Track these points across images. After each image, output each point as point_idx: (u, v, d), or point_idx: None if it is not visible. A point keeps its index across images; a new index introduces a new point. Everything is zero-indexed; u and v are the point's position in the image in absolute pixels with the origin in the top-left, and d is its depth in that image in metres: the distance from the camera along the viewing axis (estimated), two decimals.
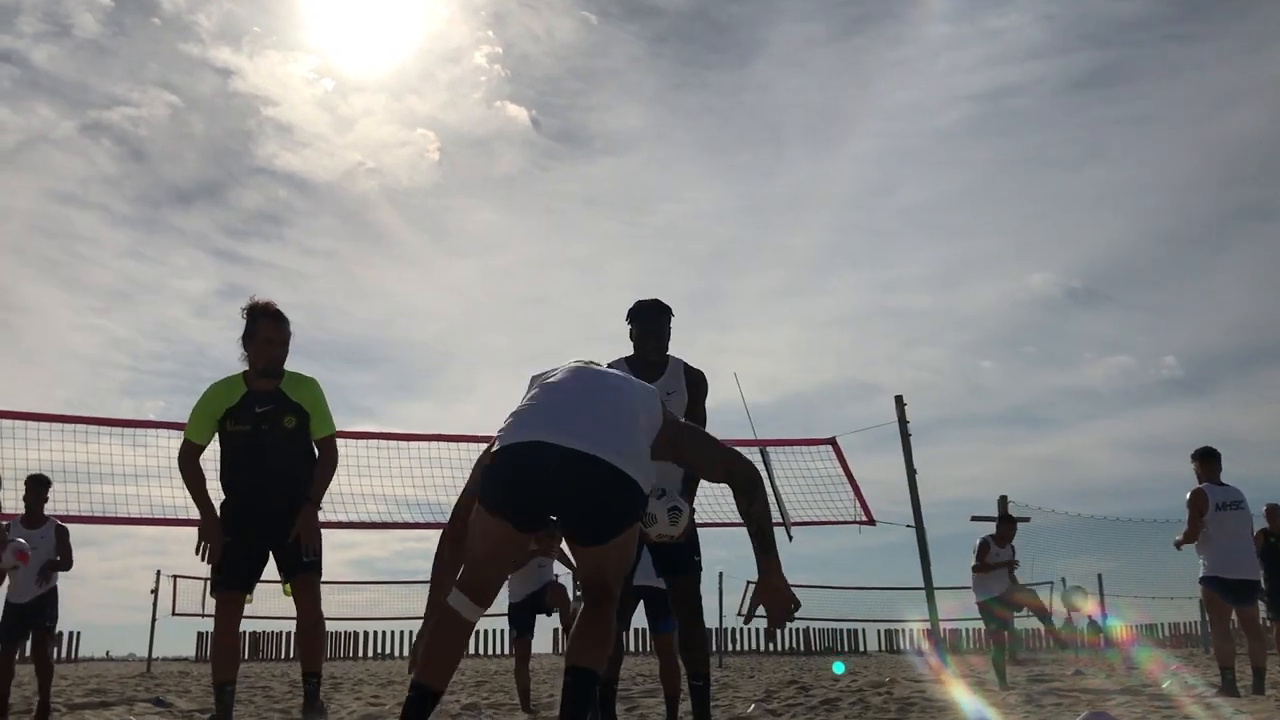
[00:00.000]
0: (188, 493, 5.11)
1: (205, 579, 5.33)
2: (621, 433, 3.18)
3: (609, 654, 3.39)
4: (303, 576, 5.05)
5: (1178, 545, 8.80)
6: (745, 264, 65.29)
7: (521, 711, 8.08)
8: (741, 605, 25.10)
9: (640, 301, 5.24)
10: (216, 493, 5.12)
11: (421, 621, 3.46)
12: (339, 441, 5.39)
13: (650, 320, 5.19)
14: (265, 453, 5.03)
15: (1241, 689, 7.94)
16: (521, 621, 8.75)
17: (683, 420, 3.66)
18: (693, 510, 5.14)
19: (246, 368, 5.14)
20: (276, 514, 5.01)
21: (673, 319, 5.27)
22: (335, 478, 5.50)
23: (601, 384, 3.40)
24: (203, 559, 4.95)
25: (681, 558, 5.07)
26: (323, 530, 5.14)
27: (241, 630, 5.23)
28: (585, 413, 3.21)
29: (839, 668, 3.91)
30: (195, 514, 5.09)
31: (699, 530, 5.18)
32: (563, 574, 9.22)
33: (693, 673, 5.13)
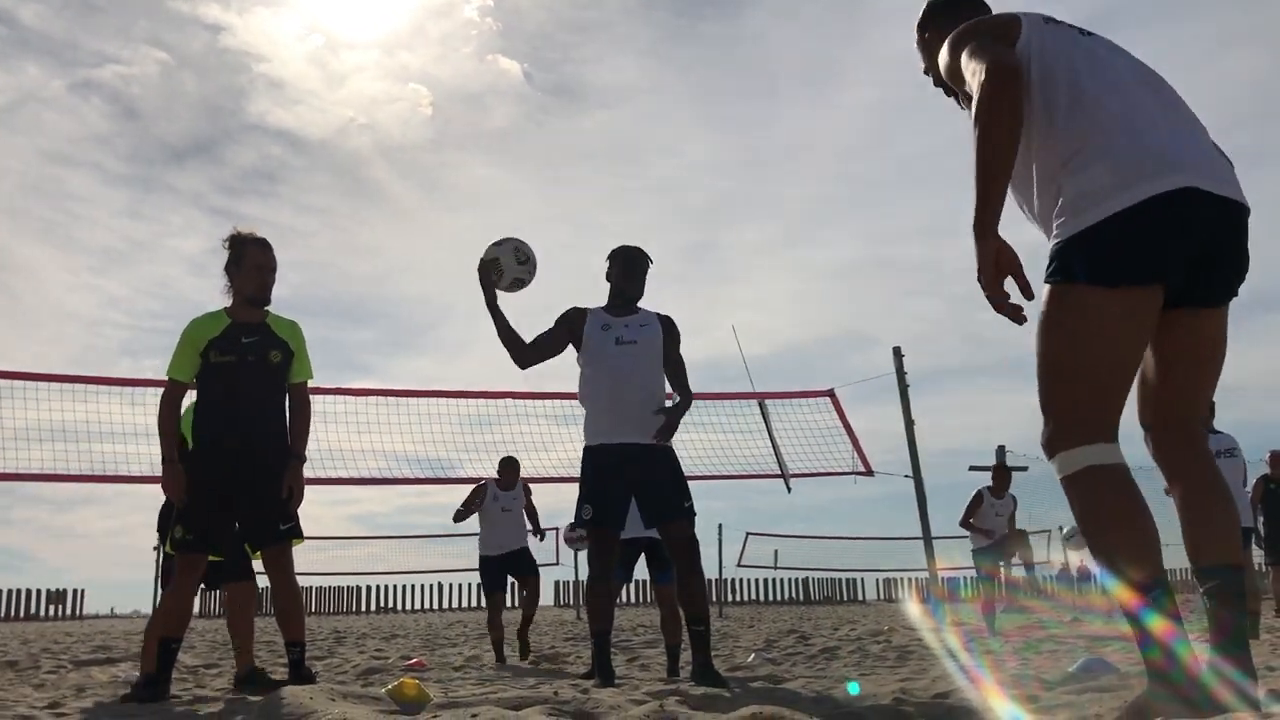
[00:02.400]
0: (158, 440, 4.88)
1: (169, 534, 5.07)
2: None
3: None
4: (277, 547, 4.89)
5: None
6: (741, 216, 65.14)
7: (496, 663, 8.15)
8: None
9: (625, 245, 5.42)
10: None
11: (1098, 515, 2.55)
12: (331, 398, 5.33)
13: (634, 263, 5.36)
14: (248, 388, 4.86)
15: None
16: (494, 580, 8.87)
17: None
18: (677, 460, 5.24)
19: (229, 304, 5.01)
20: (249, 464, 4.82)
21: (650, 268, 5.42)
22: (336, 433, 5.50)
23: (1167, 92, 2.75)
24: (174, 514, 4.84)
25: (667, 503, 5.11)
26: (325, 486, 5.10)
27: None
28: (1203, 143, 2.64)
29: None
30: None
31: (688, 480, 5.24)
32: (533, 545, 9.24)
33: (692, 618, 5.17)
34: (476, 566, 9.02)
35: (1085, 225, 2.48)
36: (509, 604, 10.36)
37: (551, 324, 5.28)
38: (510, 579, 8.99)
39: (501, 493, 8.95)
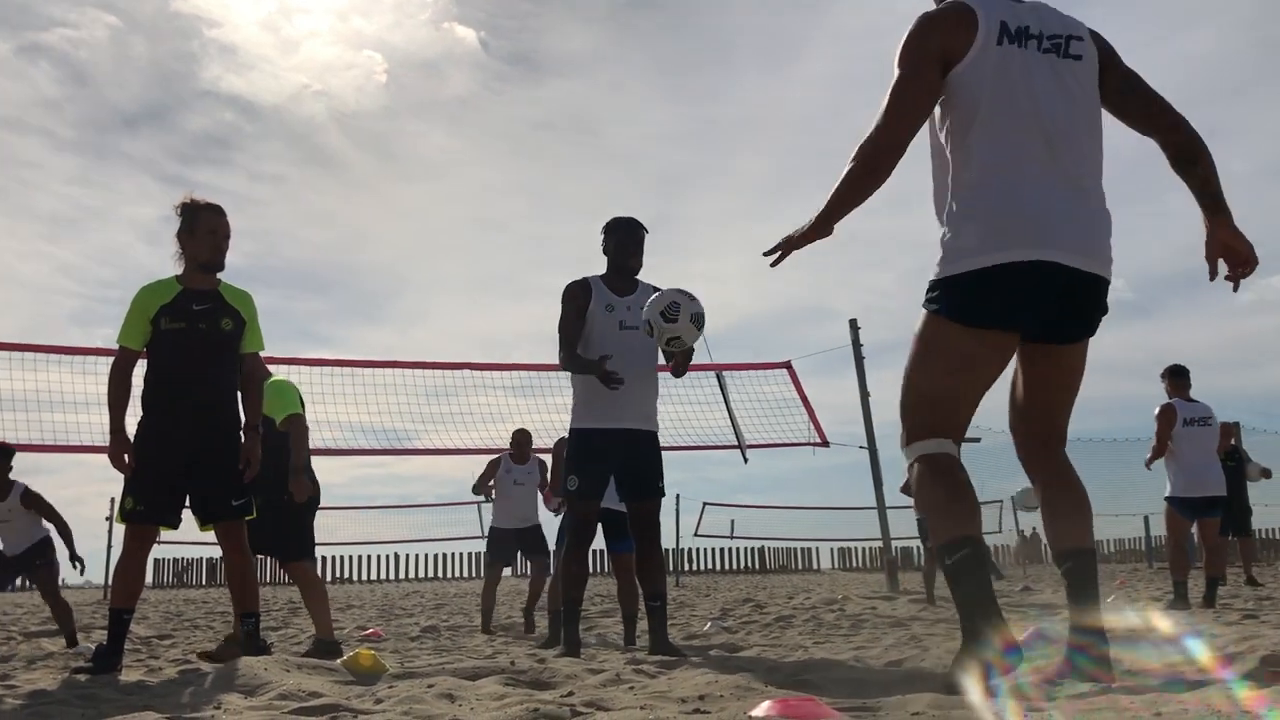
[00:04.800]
0: (106, 411, 4.78)
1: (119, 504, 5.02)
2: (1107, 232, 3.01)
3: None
4: (229, 523, 4.83)
5: (1148, 464, 8.98)
6: (697, 187, 65.14)
7: (481, 632, 8.18)
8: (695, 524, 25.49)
9: (619, 216, 5.37)
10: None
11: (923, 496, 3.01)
12: (292, 369, 5.29)
13: (628, 232, 5.30)
14: (199, 356, 4.77)
15: (1193, 601, 8.19)
16: (499, 551, 8.88)
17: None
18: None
19: (179, 271, 4.93)
20: (201, 434, 4.74)
21: (646, 236, 5.37)
22: None
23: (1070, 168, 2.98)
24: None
25: (646, 484, 5.20)
26: None
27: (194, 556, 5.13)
28: (1079, 216, 2.90)
29: None
30: None
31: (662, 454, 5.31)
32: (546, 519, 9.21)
33: (650, 593, 5.23)
34: (433, 537, 9.03)
35: (953, 273, 2.87)
36: (522, 572, 10.25)
37: (562, 309, 5.21)
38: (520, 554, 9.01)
39: (515, 466, 8.91)
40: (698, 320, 4.85)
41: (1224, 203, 2.98)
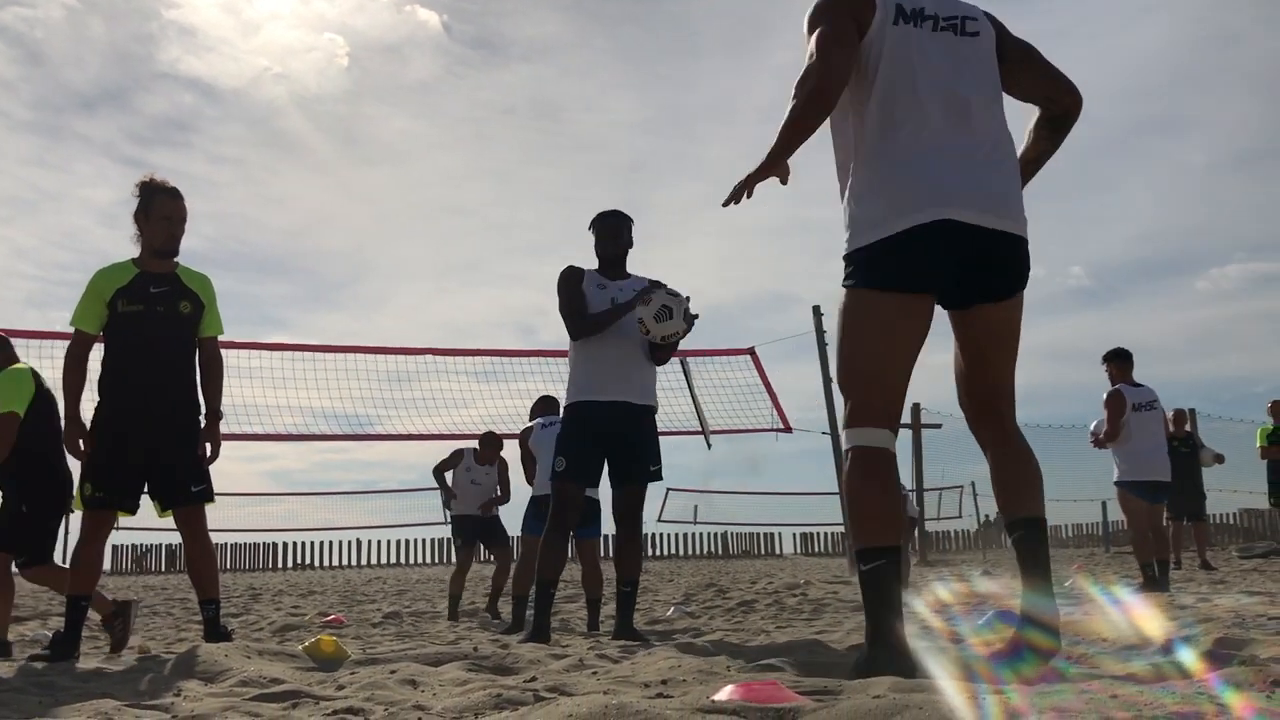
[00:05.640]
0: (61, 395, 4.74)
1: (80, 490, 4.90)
2: (1017, 184, 3.11)
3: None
4: (188, 509, 4.79)
5: (1097, 444, 8.95)
6: (664, 175, 64.95)
7: (447, 618, 8.17)
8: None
9: (602, 210, 5.44)
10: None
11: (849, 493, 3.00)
12: (246, 353, 5.21)
13: (612, 223, 5.38)
14: (157, 339, 4.72)
15: (1136, 585, 8.31)
16: (470, 534, 8.88)
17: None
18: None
19: (137, 254, 4.86)
20: (160, 418, 4.70)
21: (633, 228, 5.45)
22: (251, 389, 5.40)
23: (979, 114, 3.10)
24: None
25: (640, 466, 5.21)
26: (240, 442, 5.02)
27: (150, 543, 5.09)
28: (992, 171, 3.01)
29: None
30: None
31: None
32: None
33: (624, 579, 5.24)
34: (395, 523, 9.03)
35: (862, 244, 2.94)
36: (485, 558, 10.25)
37: (559, 293, 5.25)
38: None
39: (475, 465, 8.86)
40: (689, 317, 5.02)
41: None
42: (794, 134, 2.95)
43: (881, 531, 2.83)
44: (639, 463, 5.20)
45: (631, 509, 5.23)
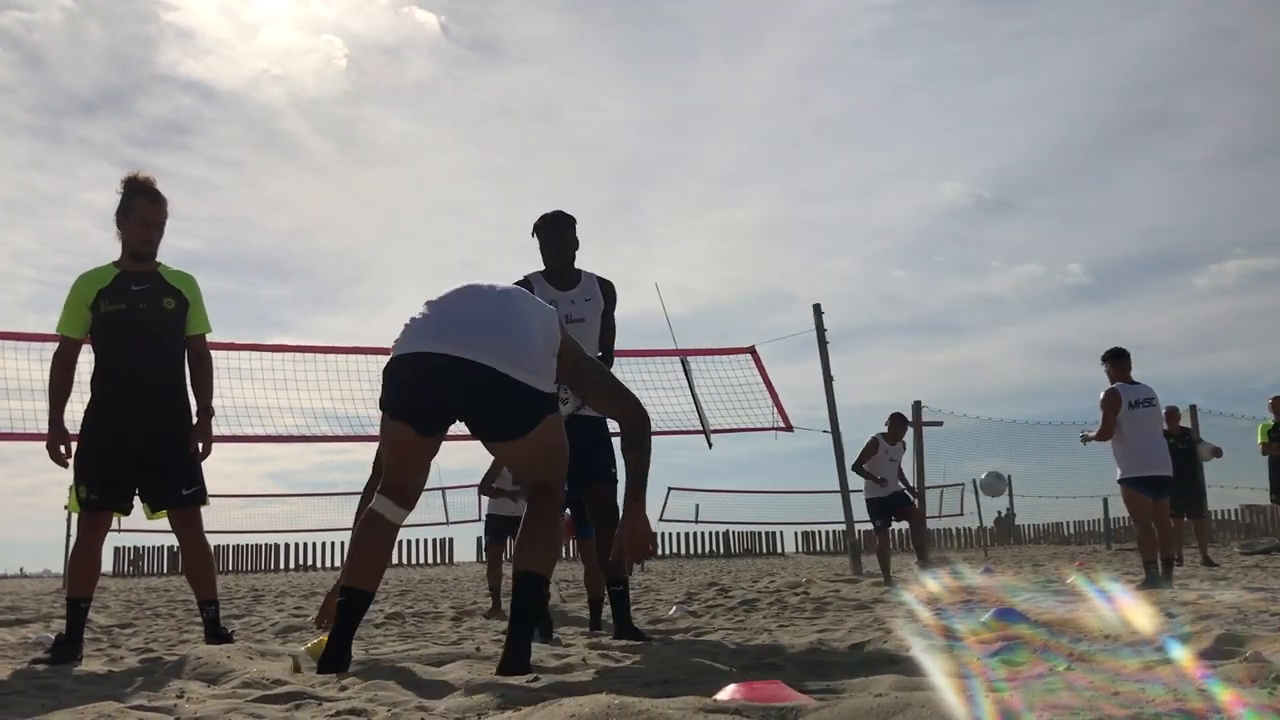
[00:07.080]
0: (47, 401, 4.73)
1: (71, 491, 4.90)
2: (509, 337, 3.32)
3: (557, 558, 3.58)
4: (182, 510, 4.77)
5: (1084, 439, 9.07)
6: (662, 174, 65.06)
7: (494, 611, 8.15)
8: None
9: (543, 214, 5.34)
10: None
11: (350, 534, 3.60)
12: (246, 354, 5.20)
13: (553, 231, 5.29)
14: (142, 337, 4.69)
15: (1138, 581, 8.31)
16: (495, 534, 8.95)
17: (586, 354, 3.83)
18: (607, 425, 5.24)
19: (119, 254, 4.84)
20: (148, 417, 4.68)
21: (577, 227, 5.37)
22: (252, 390, 5.39)
23: (488, 295, 3.51)
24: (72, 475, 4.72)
25: (596, 465, 5.15)
26: (241, 443, 5.01)
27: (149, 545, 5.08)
28: (473, 321, 3.35)
29: None
30: None
31: (613, 436, 5.28)
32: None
33: (611, 580, 5.24)
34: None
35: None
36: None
37: None
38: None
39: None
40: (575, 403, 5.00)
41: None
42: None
43: (351, 573, 3.41)
44: (595, 463, 5.14)
45: (604, 509, 5.18)
